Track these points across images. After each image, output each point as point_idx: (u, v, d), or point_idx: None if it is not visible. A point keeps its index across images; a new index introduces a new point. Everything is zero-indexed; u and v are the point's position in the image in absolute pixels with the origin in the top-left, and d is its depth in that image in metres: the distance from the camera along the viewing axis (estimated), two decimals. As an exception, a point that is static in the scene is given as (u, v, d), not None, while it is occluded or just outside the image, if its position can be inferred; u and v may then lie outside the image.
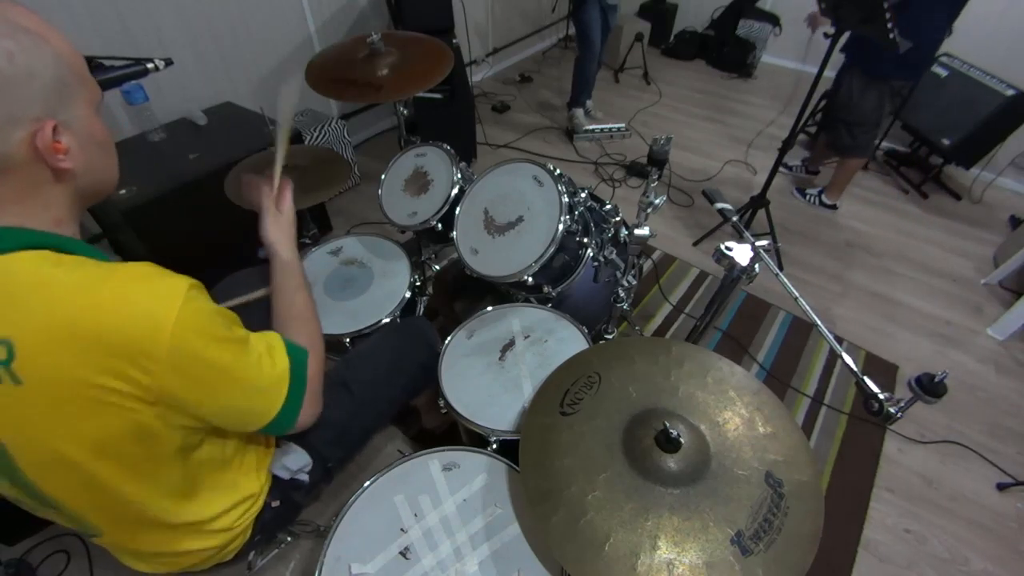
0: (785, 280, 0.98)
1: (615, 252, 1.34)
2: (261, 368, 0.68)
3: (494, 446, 0.99)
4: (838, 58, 3.16)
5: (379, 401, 1.04)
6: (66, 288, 0.52)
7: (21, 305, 0.51)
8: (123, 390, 0.54)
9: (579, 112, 3.10)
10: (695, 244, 2.38)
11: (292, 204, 0.97)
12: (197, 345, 0.57)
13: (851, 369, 0.84)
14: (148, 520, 0.68)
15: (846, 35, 1.90)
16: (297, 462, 0.88)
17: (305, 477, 0.90)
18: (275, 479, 0.87)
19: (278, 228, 0.93)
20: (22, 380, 0.51)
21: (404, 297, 1.34)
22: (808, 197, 2.68)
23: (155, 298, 0.55)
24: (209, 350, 0.59)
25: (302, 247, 1.58)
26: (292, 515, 0.93)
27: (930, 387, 0.76)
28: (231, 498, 0.78)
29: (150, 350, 0.53)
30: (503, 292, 1.42)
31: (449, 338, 1.22)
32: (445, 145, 1.49)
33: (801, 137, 3.13)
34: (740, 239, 1.05)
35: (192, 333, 0.56)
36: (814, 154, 2.83)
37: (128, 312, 0.53)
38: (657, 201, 1.19)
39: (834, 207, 2.63)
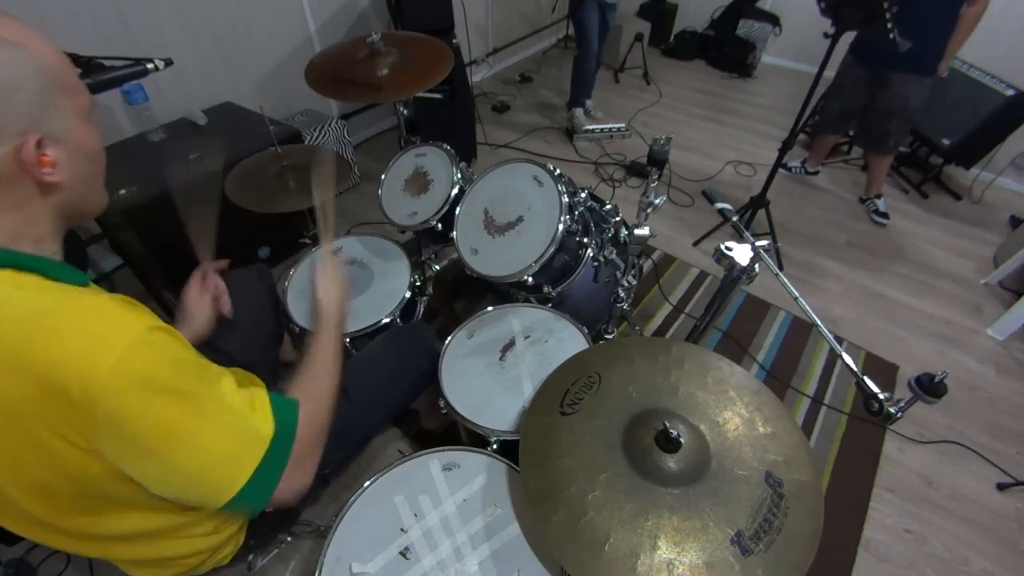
0: (785, 280, 0.98)
1: (615, 252, 1.34)
2: (225, 428, 0.57)
3: (494, 446, 0.99)
4: (839, 58, 3.21)
5: (378, 407, 1.04)
6: (18, 315, 0.49)
7: None
8: (60, 433, 0.50)
9: (579, 112, 3.10)
10: (695, 244, 2.38)
11: (342, 268, 0.97)
12: (135, 397, 0.50)
13: (851, 369, 0.84)
14: (114, 538, 0.66)
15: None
16: None
17: None
18: None
19: (326, 281, 0.93)
20: None
21: (404, 297, 1.34)
22: (883, 215, 2.57)
23: (97, 339, 0.49)
24: (151, 404, 0.52)
25: (302, 247, 1.58)
26: (287, 520, 0.93)
27: (930, 387, 0.76)
28: (211, 522, 0.76)
29: (79, 398, 0.48)
30: (503, 292, 1.42)
31: (449, 338, 1.22)
32: (445, 145, 1.49)
33: (801, 137, 3.13)
34: (740, 239, 1.05)
35: (130, 383, 0.50)
36: (813, 155, 2.82)
37: (64, 351, 0.48)
38: (657, 201, 1.19)
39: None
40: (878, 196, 2.59)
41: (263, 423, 0.61)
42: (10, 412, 0.50)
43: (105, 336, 0.50)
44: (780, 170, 2.55)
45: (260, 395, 0.63)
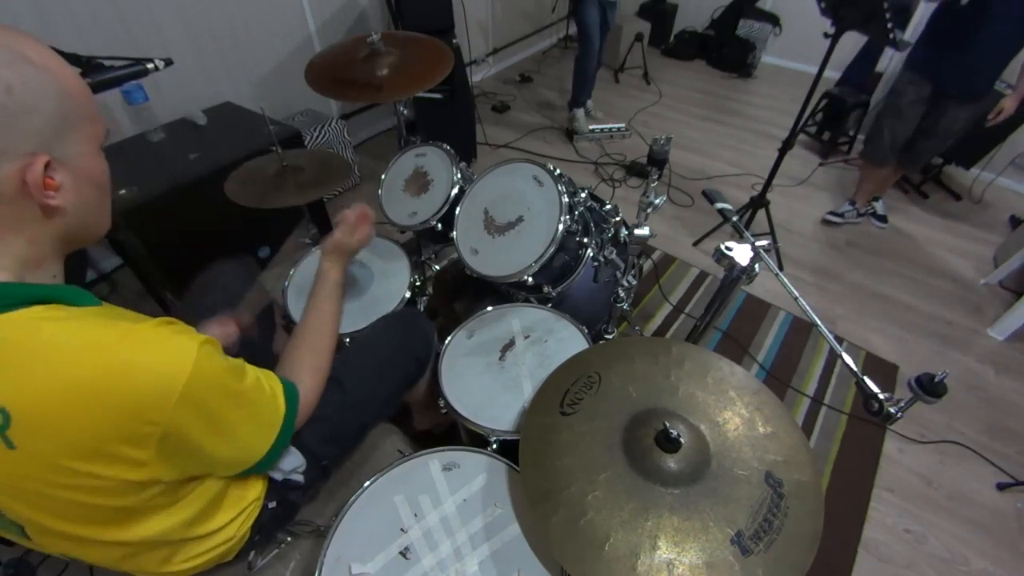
0: (785, 280, 0.98)
1: (615, 252, 1.34)
2: (263, 416, 0.70)
3: (494, 446, 0.99)
4: (843, 59, 3.21)
5: (374, 397, 1.03)
6: (69, 352, 0.51)
7: (18, 371, 0.50)
8: (123, 452, 0.54)
9: (580, 113, 3.10)
10: (695, 244, 2.38)
11: (364, 237, 1.06)
12: (203, 404, 0.58)
13: (851, 369, 0.84)
14: (140, 551, 0.68)
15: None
16: (290, 463, 0.88)
17: (300, 477, 0.89)
18: (270, 480, 0.86)
19: (338, 246, 1.02)
20: (16, 445, 0.50)
21: (404, 297, 1.34)
22: (882, 218, 2.55)
23: (165, 363, 0.55)
24: (215, 406, 0.60)
25: (302, 247, 1.58)
26: (290, 515, 0.93)
27: (930, 387, 0.76)
28: (231, 511, 0.77)
29: (155, 415, 0.54)
30: (503, 292, 1.42)
31: (449, 338, 1.22)
32: (445, 145, 1.49)
33: (802, 137, 3.13)
34: (740, 239, 1.05)
35: (200, 393, 0.57)
36: (861, 191, 2.51)
37: (140, 380, 0.53)
38: (657, 201, 1.19)
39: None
40: (876, 199, 2.57)
41: (278, 395, 0.73)
42: (69, 443, 0.52)
43: (171, 360, 0.55)
44: (832, 220, 2.52)
45: (275, 383, 0.74)
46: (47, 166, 0.52)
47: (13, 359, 0.50)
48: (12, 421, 0.50)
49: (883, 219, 2.54)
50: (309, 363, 0.86)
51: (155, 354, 0.54)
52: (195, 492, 0.69)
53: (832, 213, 2.54)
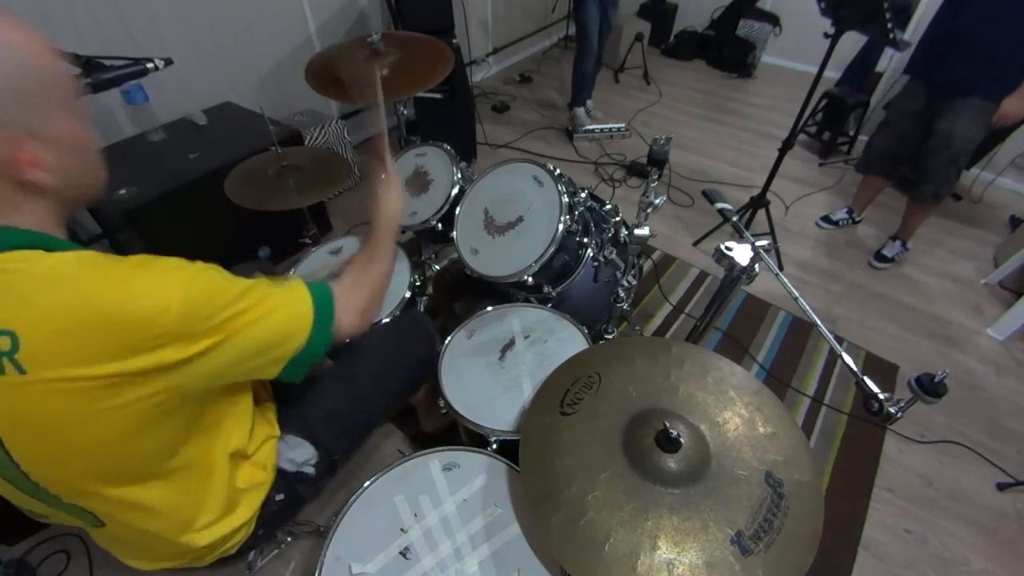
0: (785, 280, 0.98)
1: (615, 252, 1.34)
2: (286, 300, 0.69)
3: (494, 446, 0.99)
4: (843, 59, 3.21)
5: (380, 394, 1.05)
6: (70, 276, 0.53)
7: (23, 296, 0.51)
8: (133, 369, 0.54)
9: (580, 111, 3.10)
10: (695, 244, 2.38)
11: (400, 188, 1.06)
12: (206, 309, 0.58)
13: (851, 369, 0.84)
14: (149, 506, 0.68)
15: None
16: (303, 455, 0.89)
17: (311, 470, 0.90)
18: (280, 473, 0.87)
19: (388, 199, 1.01)
20: (26, 369, 0.51)
21: (404, 297, 1.34)
22: (895, 259, 2.30)
23: (159, 280, 0.56)
24: (219, 310, 0.60)
25: (302, 247, 1.58)
26: (296, 509, 0.93)
27: (930, 387, 0.76)
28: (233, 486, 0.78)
29: (158, 328, 0.54)
30: (503, 292, 1.42)
31: (449, 338, 1.22)
32: (445, 145, 1.49)
33: (802, 137, 3.13)
34: (740, 239, 1.05)
35: (199, 300, 0.58)
36: (858, 199, 2.45)
37: (134, 295, 0.54)
38: (657, 201, 1.19)
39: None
40: (894, 238, 2.30)
41: (299, 289, 0.73)
42: (78, 365, 0.52)
43: (166, 275, 0.57)
44: (821, 225, 2.50)
45: (293, 280, 0.74)
46: (24, 143, 0.52)
47: (17, 286, 0.51)
48: (21, 344, 0.50)
49: (885, 260, 2.29)
50: (353, 277, 0.86)
51: (149, 270, 0.57)
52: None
53: (826, 219, 2.51)
